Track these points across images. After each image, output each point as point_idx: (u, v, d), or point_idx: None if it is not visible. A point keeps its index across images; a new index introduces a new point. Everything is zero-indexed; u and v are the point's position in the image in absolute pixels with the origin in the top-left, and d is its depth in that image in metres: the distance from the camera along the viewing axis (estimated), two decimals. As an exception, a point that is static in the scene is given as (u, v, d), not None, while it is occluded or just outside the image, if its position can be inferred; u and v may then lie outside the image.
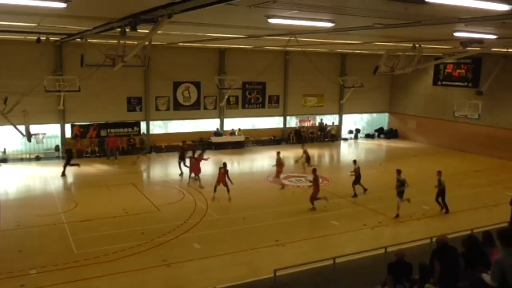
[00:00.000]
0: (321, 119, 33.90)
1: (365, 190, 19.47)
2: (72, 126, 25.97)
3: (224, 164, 18.27)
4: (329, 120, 34.17)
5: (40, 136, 22.01)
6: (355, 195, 18.90)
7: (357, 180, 19.17)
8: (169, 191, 19.61)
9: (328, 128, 33.77)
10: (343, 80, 32.37)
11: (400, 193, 16.53)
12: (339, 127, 34.49)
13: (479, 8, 8.44)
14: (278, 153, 21.50)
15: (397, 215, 16.44)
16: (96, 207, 17.15)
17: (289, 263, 11.36)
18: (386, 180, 22.40)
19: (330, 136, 33.53)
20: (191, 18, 10.93)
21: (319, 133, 33.32)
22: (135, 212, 16.67)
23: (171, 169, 23.75)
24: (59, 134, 25.90)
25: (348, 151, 32.05)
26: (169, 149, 27.86)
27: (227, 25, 13.50)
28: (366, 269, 11.38)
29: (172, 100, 28.50)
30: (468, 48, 18.75)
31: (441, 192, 17.11)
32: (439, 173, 17.24)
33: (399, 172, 16.90)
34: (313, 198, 17.14)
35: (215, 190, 17.99)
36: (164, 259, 12.61)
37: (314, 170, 17.83)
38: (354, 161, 19.84)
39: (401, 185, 16.53)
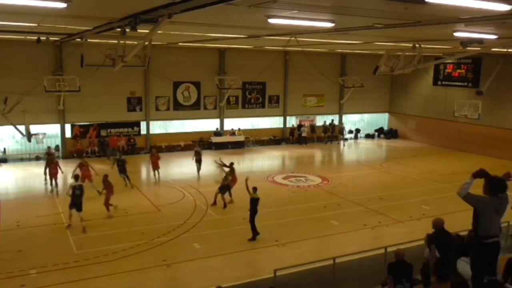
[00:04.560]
0: (332, 120, 33.63)
1: (214, 203, 17.43)
2: (72, 126, 25.98)
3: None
4: (329, 120, 34.11)
5: (40, 136, 21.98)
6: (214, 203, 17.44)
7: (222, 189, 17.39)
8: (169, 191, 19.61)
9: (338, 129, 33.64)
10: (343, 80, 32.39)
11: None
12: (339, 127, 34.48)
13: (479, 8, 8.44)
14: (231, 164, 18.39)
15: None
16: (95, 207, 17.12)
17: (289, 263, 11.33)
18: (386, 180, 22.49)
19: (334, 137, 33.39)
20: (191, 18, 10.93)
21: (330, 134, 33.11)
22: (135, 212, 16.67)
23: (171, 169, 23.77)
24: (59, 134, 25.91)
25: (348, 151, 32.04)
26: (170, 149, 27.88)
27: (227, 25, 13.49)
28: (366, 269, 11.38)
29: (172, 100, 28.49)
30: (468, 48, 18.72)
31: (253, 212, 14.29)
32: (254, 189, 14.46)
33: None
34: (106, 203, 16.24)
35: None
36: (164, 259, 12.62)
37: (105, 176, 16.64)
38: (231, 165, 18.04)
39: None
